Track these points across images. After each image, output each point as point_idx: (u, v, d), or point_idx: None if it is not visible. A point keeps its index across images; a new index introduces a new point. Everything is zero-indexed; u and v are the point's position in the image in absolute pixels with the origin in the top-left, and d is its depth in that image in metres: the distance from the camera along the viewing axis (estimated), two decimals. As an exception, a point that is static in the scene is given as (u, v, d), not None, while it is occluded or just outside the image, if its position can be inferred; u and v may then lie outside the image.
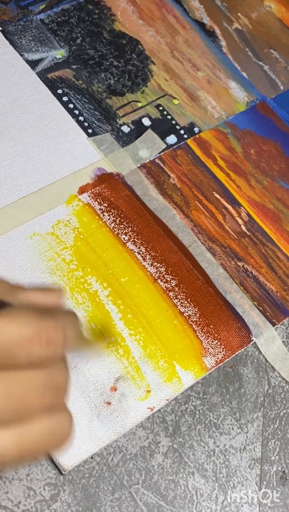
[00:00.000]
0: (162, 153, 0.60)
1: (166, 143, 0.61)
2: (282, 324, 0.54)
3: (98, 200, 0.56)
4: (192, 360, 0.51)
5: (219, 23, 0.70)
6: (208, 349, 0.51)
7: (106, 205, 0.56)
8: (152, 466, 0.47)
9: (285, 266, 0.57)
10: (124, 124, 0.61)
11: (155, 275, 0.54)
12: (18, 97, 0.60)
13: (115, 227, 0.55)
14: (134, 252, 0.54)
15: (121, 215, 0.56)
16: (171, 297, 0.53)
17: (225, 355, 0.51)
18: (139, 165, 0.59)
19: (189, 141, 0.62)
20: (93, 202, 0.56)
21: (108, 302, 0.52)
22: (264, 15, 0.72)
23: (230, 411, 0.50)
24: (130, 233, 0.55)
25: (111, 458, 0.47)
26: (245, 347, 0.52)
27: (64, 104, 0.61)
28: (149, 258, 0.54)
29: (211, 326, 0.52)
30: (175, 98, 0.64)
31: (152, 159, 0.60)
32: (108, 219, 0.55)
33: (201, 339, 0.52)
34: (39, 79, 0.62)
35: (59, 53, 0.64)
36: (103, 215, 0.56)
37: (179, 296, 0.53)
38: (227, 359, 0.52)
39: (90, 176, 0.57)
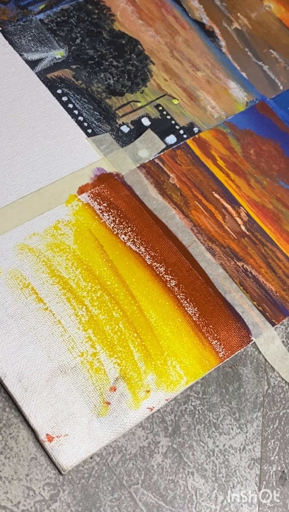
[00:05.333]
0: (162, 153, 0.60)
1: (165, 143, 0.61)
2: (282, 324, 0.54)
3: (97, 200, 0.56)
4: (191, 360, 0.51)
5: (219, 23, 0.70)
6: (208, 349, 0.51)
7: (106, 205, 0.56)
8: (151, 466, 0.47)
9: (285, 266, 0.57)
10: (123, 124, 0.61)
11: (155, 275, 0.54)
12: (18, 97, 0.60)
13: (115, 227, 0.55)
14: (134, 252, 0.54)
15: (121, 215, 0.56)
16: (171, 297, 0.53)
17: (224, 355, 0.51)
18: (138, 165, 0.59)
19: (189, 141, 0.62)
20: (93, 202, 0.56)
21: (108, 302, 0.52)
22: (264, 15, 0.72)
23: (230, 411, 0.50)
24: (130, 233, 0.55)
25: (111, 458, 0.47)
26: (244, 347, 0.52)
27: (64, 104, 0.61)
28: (148, 258, 0.54)
29: (211, 326, 0.52)
30: (174, 98, 0.64)
31: (151, 159, 0.60)
32: (108, 219, 0.55)
33: (200, 339, 0.52)
34: (39, 79, 0.62)
35: (59, 53, 0.64)
36: (103, 215, 0.56)
37: (178, 296, 0.53)
38: (227, 359, 0.52)
39: (89, 176, 0.57)
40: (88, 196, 0.56)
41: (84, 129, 0.60)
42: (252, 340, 0.53)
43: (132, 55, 0.65)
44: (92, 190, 0.57)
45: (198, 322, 0.52)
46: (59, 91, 0.61)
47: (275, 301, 0.55)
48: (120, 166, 0.58)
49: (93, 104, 0.62)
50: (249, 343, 0.53)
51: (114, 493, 0.46)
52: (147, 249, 0.55)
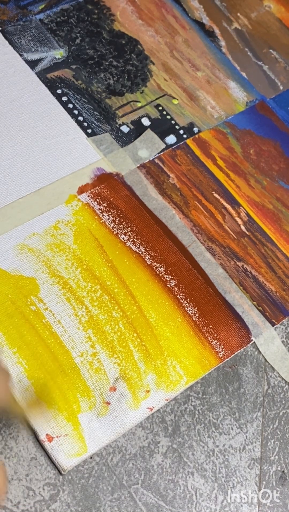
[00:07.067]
0: (161, 153, 0.60)
1: (165, 143, 0.61)
2: (282, 324, 0.54)
3: (97, 200, 0.56)
4: (191, 360, 0.51)
5: (219, 23, 0.70)
6: (207, 349, 0.51)
7: (106, 205, 0.56)
8: (151, 466, 0.47)
9: (285, 266, 0.57)
10: (123, 124, 0.61)
11: (155, 275, 0.54)
12: (18, 97, 0.60)
13: (115, 227, 0.55)
14: (134, 252, 0.54)
15: (121, 215, 0.56)
16: (171, 297, 0.53)
17: (224, 355, 0.51)
18: (138, 165, 0.59)
19: (188, 141, 0.62)
20: (93, 202, 0.56)
21: (108, 302, 0.52)
22: (264, 15, 0.72)
23: (230, 411, 0.50)
24: (129, 233, 0.55)
25: (111, 458, 0.47)
26: (244, 347, 0.52)
27: (64, 104, 0.61)
28: (148, 258, 0.54)
29: (211, 326, 0.52)
30: (174, 98, 0.64)
31: (151, 159, 0.60)
32: (108, 219, 0.55)
33: (200, 339, 0.52)
34: (39, 79, 0.62)
35: (59, 53, 0.64)
36: (103, 215, 0.56)
37: (178, 296, 0.53)
38: (227, 359, 0.52)
39: (89, 176, 0.57)
40: (88, 196, 0.56)
41: (84, 129, 0.60)
42: (252, 340, 0.53)
43: (132, 55, 0.65)
44: (92, 190, 0.57)
45: (197, 322, 0.52)
46: (59, 91, 0.61)
47: (275, 301, 0.55)
48: (120, 166, 0.58)
49: (93, 104, 0.62)
50: (249, 343, 0.53)
51: (114, 493, 0.46)
52: (147, 249, 0.55)
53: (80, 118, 0.60)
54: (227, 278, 0.55)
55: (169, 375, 0.50)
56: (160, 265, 0.54)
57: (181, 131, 0.62)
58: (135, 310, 0.52)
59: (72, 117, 0.60)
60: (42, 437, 0.46)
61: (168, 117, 0.63)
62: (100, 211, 0.56)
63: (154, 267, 0.54)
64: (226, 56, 0.68)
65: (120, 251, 0.54)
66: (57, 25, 0.66)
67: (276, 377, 0.52)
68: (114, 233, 0.55)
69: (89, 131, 0.60)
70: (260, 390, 0.51)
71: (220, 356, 0.51)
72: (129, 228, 0.55)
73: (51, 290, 0.51)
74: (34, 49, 0.64)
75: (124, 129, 0.61)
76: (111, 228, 0.55)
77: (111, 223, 0.55)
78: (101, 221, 0.55)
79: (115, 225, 0.55)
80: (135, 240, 0.55)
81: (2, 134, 0.58)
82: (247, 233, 0.58)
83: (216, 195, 0.59)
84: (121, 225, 0.55)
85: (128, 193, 0.57)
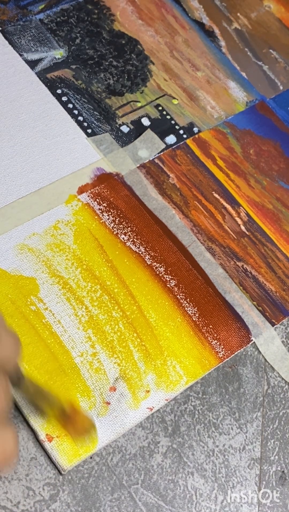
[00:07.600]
0: (161, 153, 0.60)
1: (165, 143, 0.61)
2: (282, 324, 0.54)
3: (97, 200, 0.56)
4: (191, 360, 0.51)
5: (218, 23, 0.70)
6: (207, 349, 0.51)
7: (106, 205, 0.56)
8: (151, 466, 0.47)
9: (285, 266, 0.57)
10: (123, 124, 0.61)
11: (155, 274, 0.54)
12: (17, 97, 0.60)
13: (115, 227, 0.55)
14: (134, 252, 0.54)
15: (121, 215, 0.56)
16: (171, 297, 0.53)
17: (224, 355, 0.51)
18: (138, 165, 0.59)
19: (188, 141, 0.62)
20: (93, 202, 0.56)
21: (108, 301, 0.52)
22: (264, 15, 0.72)
23: (229, 411, 0.50)
24: (129, 233, 0.55)
25: (111, 458, 0.47)
26: (244, 347, 0.52)
27: (64, 104, 0.61)
28: (148, 258, 0.54)
29: (210, 326, 0.52)
30: (174, 98, 0.64)
31: (151, 159, 0.60)
32: (108, 219, 0.55)
33: (200, 339, 0.52)
34: (39, 79, 0.62)
35: (59, 53, 0.64)
36: (103, 215, 0.56)
37: (178, 296, 0.53)
38: (226, 359, 0.52)
39: (89, 176, 0.57)
40: (88, 196, 0.56)
41: (84, 129, 0.60)
42: (252, 340, 0.53)
43: (132, 55, 0.65)
44: (92, 190, 0.57)
45: (197, 322, 0.52)
46: (59, 91, 0.61)
47: (275, 301, 0.55)
48: (120, 166, 0.58)
49: (93, 104, 0.62)
50: (249, 343, 0.53)
51: (114, 493, 0.46)
52: (147, 249, 0.55)
53: (80, 118, 0.60)
54: (227, 278, 0.55)
55: (168, 375, 0.50)
56: (160, 265, 0.54)
57: (181, 131, 0.62)
58: (135, 310, 0.52)
59: (72, 117, 0.60)
60: (42, 437, 0.46)
61: (168, 117, 0.63)
62: (100, 211, 0.56)
63: (154, 267, 0.54)
64: (226, 56, 0.68)
65: (120, 251, 0.54)
66: (57, 25, 0.66)
67: (276, 377, 0.52)
68: (114, 233, 0.55)
69: (89, 131, 0.60)
70: (260, 390, 0.51)
71: (220, 356, 0.51)
72: (129, 228, 0.55)
73: (51, 290, 0.51)
74: (34, 49, 0.64)
75: (124, 129, 0.61)
76: (111, 228, 0.55)
77: (111, 223, 0.55)
78: (101, 221, 0.55)
79: (115, 225, 0.55)
80: (135, 240, 0.55)
81: (2, 134, 0.58)
82: (247, 233, 0.58)
83: (216, 195, 0.59)
84: (121, 225, 0.55)
85: (128, 193, 0.57)
